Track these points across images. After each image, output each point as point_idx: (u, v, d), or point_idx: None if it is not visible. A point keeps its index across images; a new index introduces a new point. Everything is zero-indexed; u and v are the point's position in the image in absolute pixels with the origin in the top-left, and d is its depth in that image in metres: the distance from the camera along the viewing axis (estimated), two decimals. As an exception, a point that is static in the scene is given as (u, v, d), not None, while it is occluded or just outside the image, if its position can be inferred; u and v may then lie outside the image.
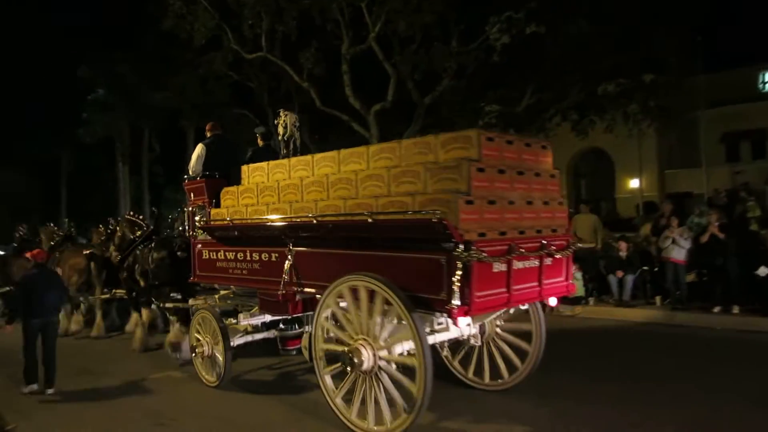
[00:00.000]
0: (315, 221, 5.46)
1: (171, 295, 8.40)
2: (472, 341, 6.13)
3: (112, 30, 24.38)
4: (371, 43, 15.59)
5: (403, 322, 4.69)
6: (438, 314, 4.88)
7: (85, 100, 26.78)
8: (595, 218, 12.55)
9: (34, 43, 24.01)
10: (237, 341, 6.88)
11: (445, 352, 6.47)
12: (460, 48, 15.05)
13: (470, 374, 6.32)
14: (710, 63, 21.41)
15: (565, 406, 5.70)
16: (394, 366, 4.88)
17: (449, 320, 5.04)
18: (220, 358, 6.73)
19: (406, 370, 4.81)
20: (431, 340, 5.39)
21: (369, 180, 5.23)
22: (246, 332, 7.04)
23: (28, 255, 8.20)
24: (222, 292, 7.61)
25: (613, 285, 11.02)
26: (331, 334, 5.40)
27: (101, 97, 26.68)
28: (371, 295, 4.88)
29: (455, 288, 4.43)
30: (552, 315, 10.74)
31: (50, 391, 6.86)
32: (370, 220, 4.95)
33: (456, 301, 4.43)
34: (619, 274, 10.93)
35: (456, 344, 6.33)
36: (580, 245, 6.60)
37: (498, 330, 6.13)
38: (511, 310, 5.80)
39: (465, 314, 4.55)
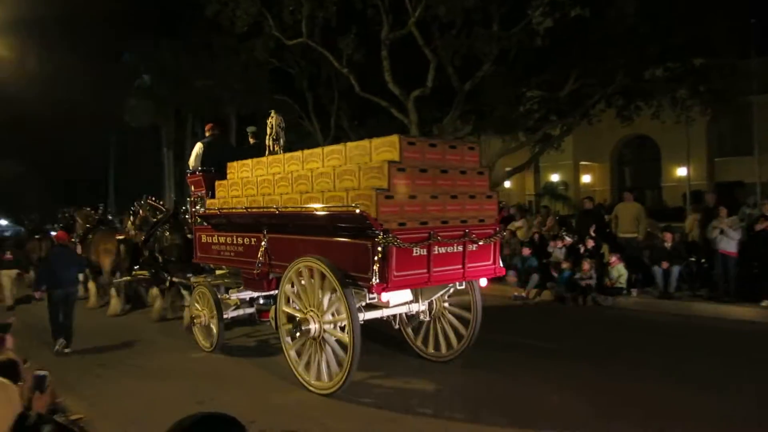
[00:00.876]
0: (277, 212, 6.44)
1: (184, 272, 9.25)
2: (422, 317, 6.92)
3: (156, 16, 24.81)
4: (411, 29, 15.42)
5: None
6: (365, 289, 5.58)
7: (130, 86, 27.42)
8: (639, 207, 12.22)
9: (81, 29, 24.65)
10: (230, 314, 7.82)
11: (402, 326, 7.16)
12: (501, 32, 14.74)
13: (429, 349, 7.08)
14: (765, 45, 20.46)
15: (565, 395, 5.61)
16: (336, 332, 5.83)
17: (387, 296, 5.69)
18: (214, 328, 7.69)
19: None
20: (379, 314, 6.46)
21: (321, 177, 6.13)
22: (237, 306, 7.90)
23: (53, 236, 9.30)
24: (218, 272, 8.55)
25: (657, 276, 10.71)
26: (290, 307, 6.34)
27: (146, 83, 27.26)
28: (318, 274, 5.83)
29: (375, 268, 5.28)
30: (591, 305, 10.58)
31: (68, 350, 7.97)
32: (313, 212, 5.94)
33: (375, 279, 5.28)
34: (665, 265, 10.61)
35: (417, 323, 7.14)
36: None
37: (446, 306, 6.92)
38: (451, 290, 6.60)
39: (383, 290, 5.36)
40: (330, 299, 5.84)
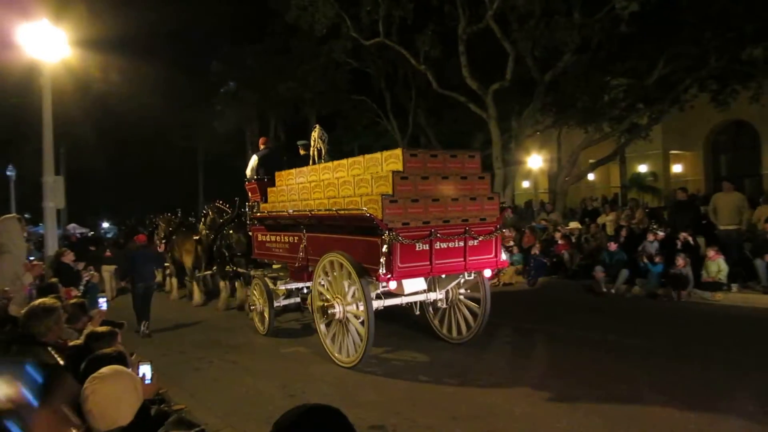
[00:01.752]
0: (310, 214, 7.57)
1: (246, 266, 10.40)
2: (440, 304, 7.74)
3: (239, 26, 25.81)
4: (488, 22, 15.22)
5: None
6: (375, 279, 6.49)
7: (218, 93, 28.71)
8: (740, 197, 11.48)
9: (172, 43, 26.07)
10: (281, 303, 8.83)
11: (429, 317, 8.13)
12: (583, 20, 14.26)
13: (453, 334, 7.79)
14: None
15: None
16: (356, 313, 6.75)
17: (394, 284, 6.65)
18: (266, 315, 8.74)
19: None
20: (398, 301, 7.33)
21: (345, 185, 7.11)
22: (285, 296, 8.88)
23: (134, 239, 11.32)
24: (274, 266, 9.40)
25: (760, 270, 10.02)
26: (322, 294, 7.30)
27: (232, 89, 28.45)
28: (341, 266, 6.82)
29: (383, 261, 6.24)
30: (687, 301, 10.07)
31: (148, 330, 9.31)
32: (336, 214, 7.00)
33: (382, 270, 6.26)
34: (768, 258, 9.93)
35: (441, 313, 7.99)
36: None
37: (461, 295, 7.67)
38: (462, 281, 7.43)
39: (388, 279, 6.36)
40: (351, 287, 6.78)
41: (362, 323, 6.63)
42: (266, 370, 7.11)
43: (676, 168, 31.23)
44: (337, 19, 17.40)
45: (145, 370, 3.09)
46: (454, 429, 5.00)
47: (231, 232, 10.92)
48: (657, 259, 10.89)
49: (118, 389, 2.23)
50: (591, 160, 20.96)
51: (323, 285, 7.31)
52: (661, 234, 11.60)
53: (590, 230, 13.90)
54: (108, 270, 13.58)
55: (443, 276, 7.31)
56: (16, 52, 10.40)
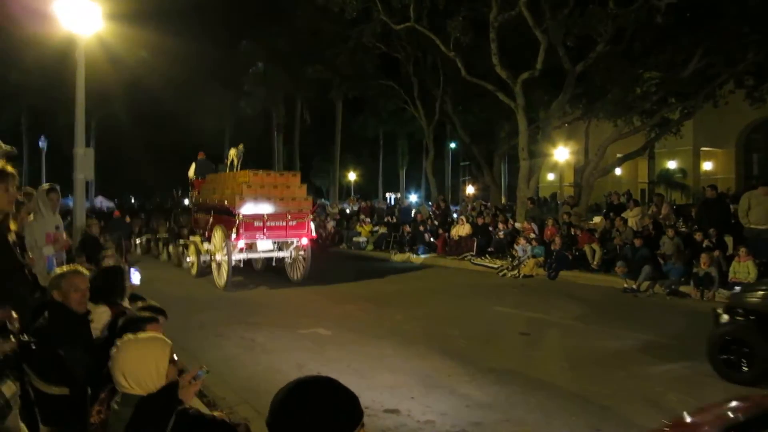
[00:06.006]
0: (208, 203, 13.21)
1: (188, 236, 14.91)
2: (287, 259, 12.59)
3: (270, 6, 25.76)
4: (521, 9, 14.97)
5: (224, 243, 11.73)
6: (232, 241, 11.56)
7: (246, 73, 28.78)
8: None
9: (202, 21, 26.08)
10: (203, 258, 13.05)
11: (284, 265, 12.84)
12: (618, 9, 13.94)
13: (295, 277, 12.63)
14: None
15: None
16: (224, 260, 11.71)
17: (242, 243, 11.74)
18: (196, 265, 13.27)
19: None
20: (257, 255, 12.72)
21: (229, 188, 12.30)
22: (207, 254, 12.98)
23: (113, 213, 17.31)
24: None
25: (788, 272, 9.80)
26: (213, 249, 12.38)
27: (261, 70, 28.51)
28: (219, 233, 11.94)
29: (234, 230, 11.34)
30: (713, 302, 9.91)
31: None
32: (217, 204, 12.49)
33: (233, 235, 11.35)
34: (798, 260, 9.70)
35: (288, 263, 12.75)
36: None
37: (300, 254, 12.37)
38: (290, 245, 12.40)
39: (237, 240, 11.38)
40: (223, 245, 11.66)
41: (226, 264, 11.44)
42: (283, 349, 7.19)
43: (707, 165, 30.65)
44: (367, 2, 17.30)
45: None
46: (469, 416, 5.00)
47: (180, 214, 16.81)
48: (679, 257, 10.71)
49: (156, 355, 2.32)
50: (619, 155, 20.63)
51: (214, 245, 12.10)
52: (683, 230, 11.42)
53: (615, 225, 13.71)
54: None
55: (287, 241, 12.11)
56: (52, 25, 10.51)
